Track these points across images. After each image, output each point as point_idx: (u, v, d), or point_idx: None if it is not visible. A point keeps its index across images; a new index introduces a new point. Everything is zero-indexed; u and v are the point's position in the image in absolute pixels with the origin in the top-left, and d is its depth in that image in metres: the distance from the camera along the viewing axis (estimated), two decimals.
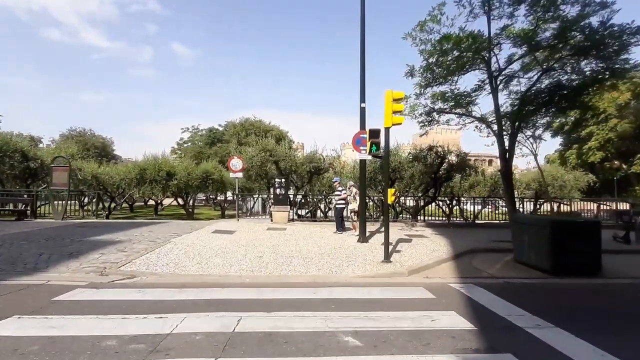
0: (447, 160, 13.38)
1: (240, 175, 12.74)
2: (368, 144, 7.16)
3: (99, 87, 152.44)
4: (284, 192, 12.05)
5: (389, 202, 6.87)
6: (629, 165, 29.30)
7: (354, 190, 10.14)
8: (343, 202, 10.46)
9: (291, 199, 13.28)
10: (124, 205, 28.95)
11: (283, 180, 12.19)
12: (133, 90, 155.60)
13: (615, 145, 28.96)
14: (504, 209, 15.56)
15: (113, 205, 20.13)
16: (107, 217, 19.38)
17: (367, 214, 10.34)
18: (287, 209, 12.03)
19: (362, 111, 9.11)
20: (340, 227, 10.36)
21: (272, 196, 13.02)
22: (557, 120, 37.53)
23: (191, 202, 19.89)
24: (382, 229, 8.64)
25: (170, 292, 4.79)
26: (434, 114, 10.12)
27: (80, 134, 43.46)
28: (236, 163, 12.63)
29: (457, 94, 9.70)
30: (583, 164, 29.07)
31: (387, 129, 7.00)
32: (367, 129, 8.93)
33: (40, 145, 43.91)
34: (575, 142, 32.34)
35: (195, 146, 40.23)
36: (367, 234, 9.19)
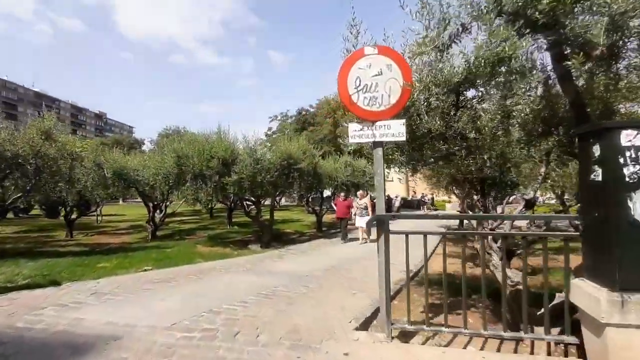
0: None
1: (397, 127, 2.73)
2: None
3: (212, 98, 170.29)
4: None
5: None
6: None
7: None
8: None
9: None
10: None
11: None
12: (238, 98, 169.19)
13: None
14: None
15: (159, 217, 13.03)
16: (154, 234, 12.45)
17: None
18: None
19: None
20: None
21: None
22: None
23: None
24: None
25: None
26: None
27: (175, 132, 42.86)
28: (384, 76, 2.48)
29: None
30: None
31: None
32: None
33: (144, 146, 44.28)
34: None
35: (284, 135, 33.35)
36: None
